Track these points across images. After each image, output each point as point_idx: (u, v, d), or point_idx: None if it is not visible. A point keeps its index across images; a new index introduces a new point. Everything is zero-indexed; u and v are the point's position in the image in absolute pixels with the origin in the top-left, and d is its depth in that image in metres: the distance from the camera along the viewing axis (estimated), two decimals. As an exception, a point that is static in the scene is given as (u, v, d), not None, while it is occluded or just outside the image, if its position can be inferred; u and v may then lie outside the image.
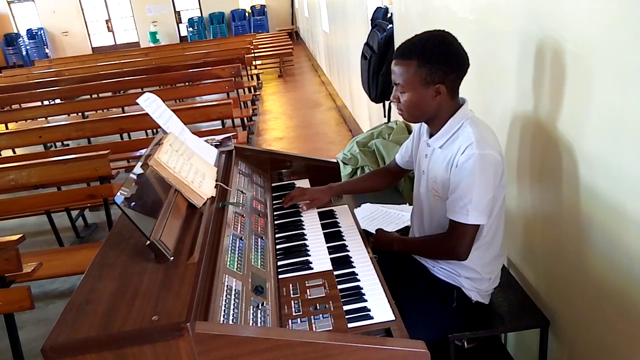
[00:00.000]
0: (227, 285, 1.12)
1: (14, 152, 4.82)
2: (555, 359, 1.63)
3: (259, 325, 1.08)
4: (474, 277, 1.53)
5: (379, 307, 1.25)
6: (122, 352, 0.91)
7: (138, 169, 1.29)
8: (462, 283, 1.54)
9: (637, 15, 1.07)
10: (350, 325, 1.18)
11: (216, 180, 1.53)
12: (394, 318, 1.21)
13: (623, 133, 1.18)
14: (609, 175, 1.25)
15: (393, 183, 1.90)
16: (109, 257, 1.19)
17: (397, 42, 3.26)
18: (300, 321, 1.17)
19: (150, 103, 1.58)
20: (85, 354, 0.90)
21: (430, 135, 1.52)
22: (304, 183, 1.94)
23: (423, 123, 1.58)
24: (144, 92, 1.93)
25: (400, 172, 1.83)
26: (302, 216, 1.69)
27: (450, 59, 1.40)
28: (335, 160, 2.06)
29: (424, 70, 1.38)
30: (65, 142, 5.33)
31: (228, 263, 1.20)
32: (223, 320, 1.02)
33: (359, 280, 1.36)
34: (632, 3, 1.09)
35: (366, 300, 1.28)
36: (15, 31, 15.80)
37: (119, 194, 1.13)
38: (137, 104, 1.59)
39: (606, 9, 1.18)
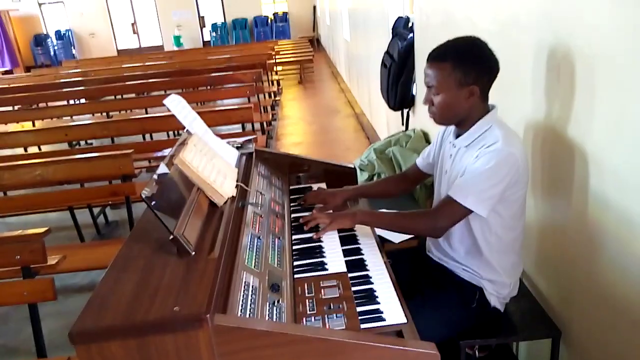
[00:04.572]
0: (245, 282, 1.16)
1: (40, 149, 4.96)
2: (566, 370, 1.63)
3: (274, 321, 1.12)
4: (495, 280, 1.54)
5: (392, 310, 1.27)
6: (145, 340, 0.95)
7: (163, 168, 1.34)
8: (485, 285, 1.55)
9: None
10: (362, 326, 1.20)
11: (237, 181, 1.58)
12: (405, 321, 1.23)
13: (633, 143, 1.19)
14: (621, 184, 1.26)
15: (409, 189, 1.91)
16: (133, 250, 1.24)
17: (418, 51, 3.28)
18: (315, 319, 1.20)
19: (176, 105, 1.64)
20: (110, 340, 0.95)
21: (457, 136, 1.54)
22: (320, 187, 1.98)
23: (448, 126, 1.61)
24: (167, 94, 1.99)
25: (419, 177, 1.84)
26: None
27: (484, 61, 1.44)
28: (352, 166, 2.09)
29: (458, 72, 1.42)
30: (88, 141, 5.46)
31: (246, 260, 1.25)
32: (241, 314, 1.05)
33: (372, 283, 1.39)
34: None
35: (379, 303, 1.30)
36: (44, 32, 16.21)
37: (145, 190, 1.18)
38: (163, 104, 1.65)
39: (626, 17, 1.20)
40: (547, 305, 1.69)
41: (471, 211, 1.42)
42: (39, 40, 15.91)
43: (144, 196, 1.15)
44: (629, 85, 1.19)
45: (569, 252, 1.55)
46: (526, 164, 1.45)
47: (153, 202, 1.17)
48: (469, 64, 1.42)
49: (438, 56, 1.46)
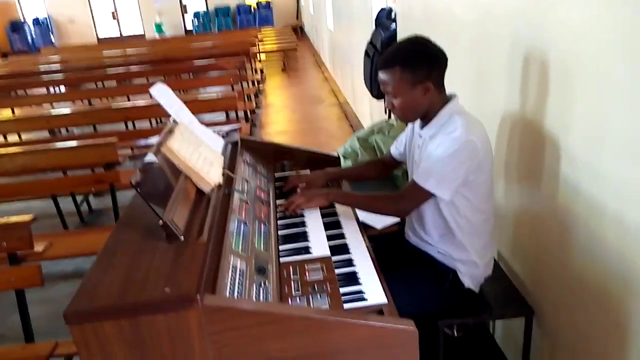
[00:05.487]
0: (233, 265, 1.21)
1: (20, 137, 4.90)
2: (538, 347, 1.72)
3: (261, 301, 1.17)
4: (468, 261, 1.61)
5: (373, 291, 1.33)
6: (137, 320, 1.00)
7: (151, 156, 1.37)
8: (458, 267, 1.62)
9: (617, 23, 1.16)
10: (345, 305, 1.26)
11: (223, 169, 1.62)
12: (386, 301, 1.29)
13: (604, 136, 1.26)
14: (591, 175, 1.33)
15: (386, 173, 2.02)
16: (123, 236, 1.28)
17: (400, 41, 3.33)
18: (299, 300, 1.25)
19: (162, 93, 1.66)
20: (103, 320, 0.99)
21: (423, 127, 1.61)
22: (304, 172, 2.02)
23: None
24: (150, 82, 2.00)
25: (394, 164, 1.93)
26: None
27: (429, 56, 1.51)
28: (336, 154, 2.14)
29: (408, 73, 1.49)
30: (69, 129, 5.40)
31: (233, 245, 1.29)
32: (229, 296, 1.10)
33: (354, 266, 1.45)
34: (613, 15, 1.17)
35: (361, 284, 1.36)
36: (22, 18, 15.81)
37: (133, 177, 1.21)
38: (146, 92, 1.68)
39: (592, 17, 1.27)
40: (521, 286, 1.78)
41: (433, 194, 1.50)
42: (16, 26, 15.51)
43: (133, 183, 1.18)
44: (603, 81, 1.24)
45: (542, 237, 1.63)
46: (488, 150, 1.53)
47: (141, 189, 1.20)
48: (416, 63, 1.49)
49: (386, 63, 1.53)
